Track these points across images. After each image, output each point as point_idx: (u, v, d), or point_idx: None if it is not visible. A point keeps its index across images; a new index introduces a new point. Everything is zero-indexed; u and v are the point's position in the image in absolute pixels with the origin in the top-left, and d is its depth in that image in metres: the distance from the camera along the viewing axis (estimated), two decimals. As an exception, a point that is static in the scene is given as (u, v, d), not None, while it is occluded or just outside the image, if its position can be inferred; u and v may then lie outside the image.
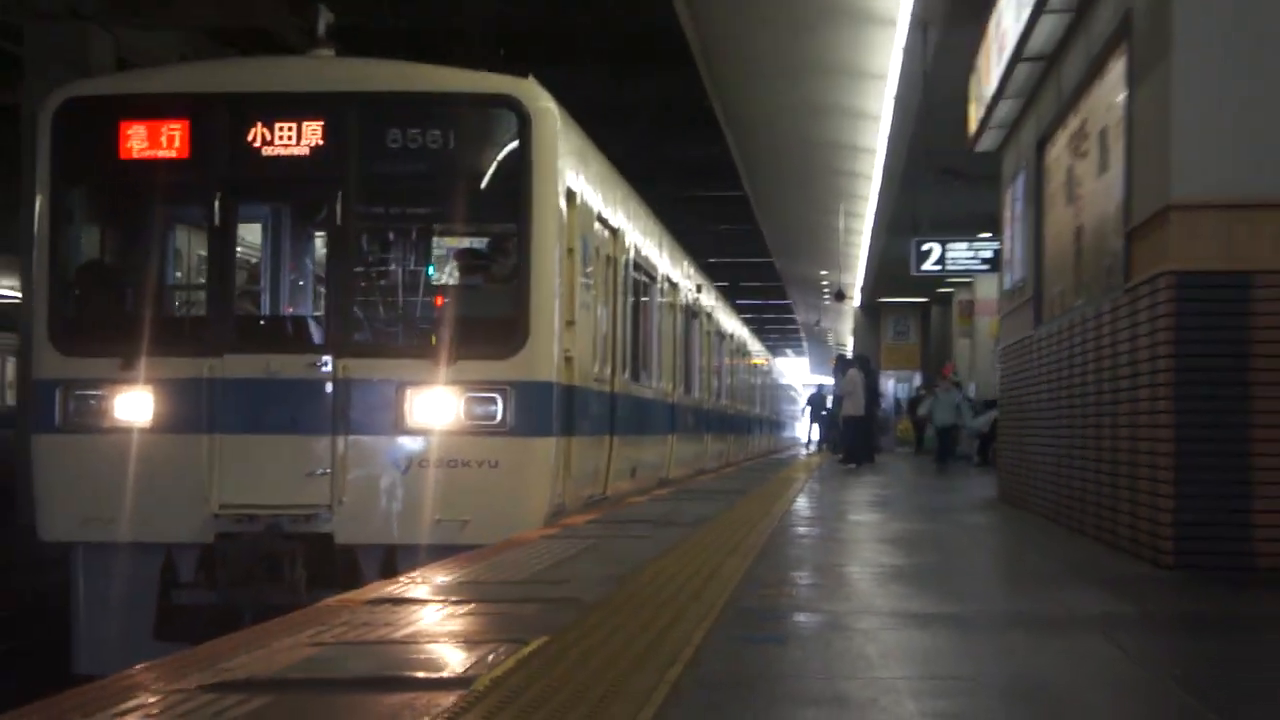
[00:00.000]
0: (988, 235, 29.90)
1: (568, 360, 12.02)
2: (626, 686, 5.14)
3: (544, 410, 11.34)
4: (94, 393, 11.10)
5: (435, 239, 13.15)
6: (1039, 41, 12.65)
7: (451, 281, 12.77)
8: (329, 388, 10.93)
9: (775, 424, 56.01)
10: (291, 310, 13.11)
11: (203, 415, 10.92)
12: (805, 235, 40.26)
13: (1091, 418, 11.22)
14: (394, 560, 10.77)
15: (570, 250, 12.18)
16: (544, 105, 11.40)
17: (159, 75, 13.78)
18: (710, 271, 34.67)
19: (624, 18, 24.41)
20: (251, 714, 4.73)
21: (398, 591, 7.74)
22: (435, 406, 10.93)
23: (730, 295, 40.50)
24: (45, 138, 11.41)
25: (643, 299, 18.56)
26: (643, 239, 17.95)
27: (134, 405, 11.02)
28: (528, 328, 11.16)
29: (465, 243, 13.21)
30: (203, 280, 12.42)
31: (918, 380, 46.55)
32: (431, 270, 12.90)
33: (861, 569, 9.53)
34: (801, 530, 12.68)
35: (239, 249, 12.98)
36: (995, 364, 22.24)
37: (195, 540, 10.83)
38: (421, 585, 8.00)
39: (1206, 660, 6.17)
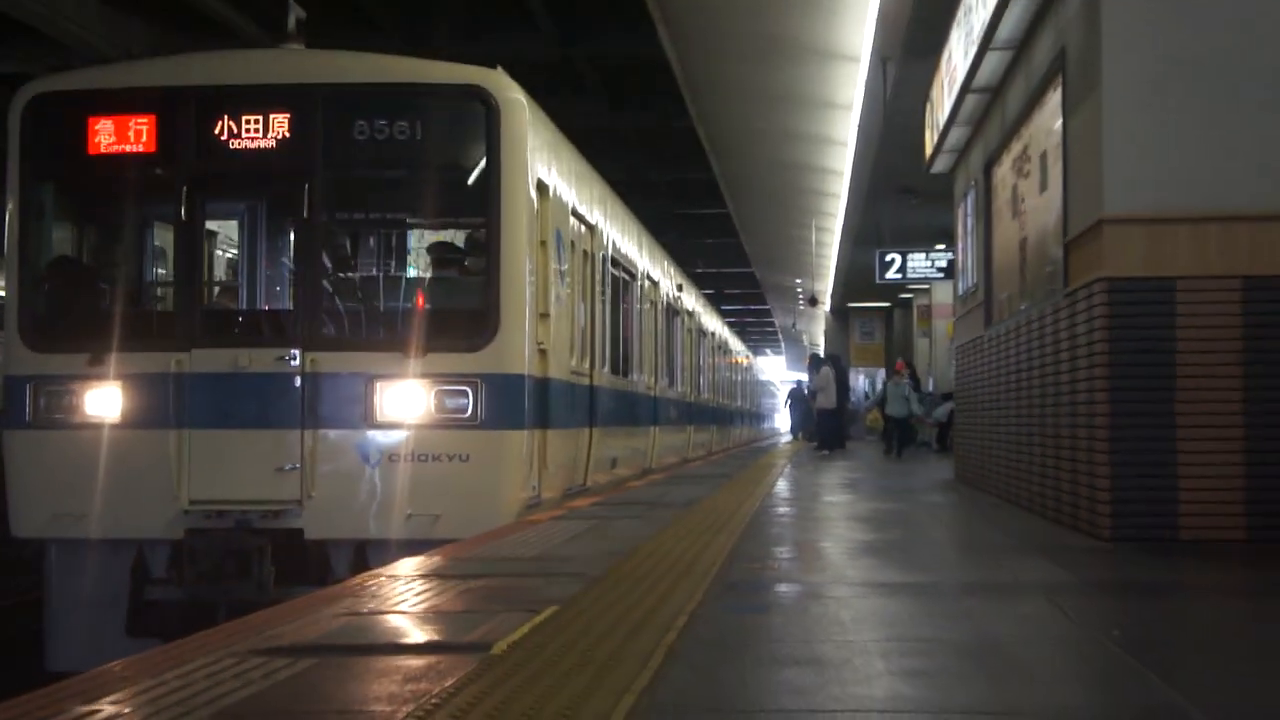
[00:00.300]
0: (943, 246, 29.96)
1: (541, 353, 10.85)
2: (628, 650, 5.18)
3: (515, 403, 10.11)
4: (63, 389, 9.96)
5: (405, 231, 11.98)
6: (985, 76, 12.69)
7: (421, 274, 11.38)
8: (297, 382, 9.77)
9: (756, 416, 54.90)
10: (260, 304, 11.75)
11: (171, 410, 9.79)
12: (781, 247, 40.19)
13: (1037, 408, 11.26)
14: (365, 556, 9.67)
15: (543, 243, 11.00)
16: (513, 95, 10.19)
17: (127, 70, 11.92)
18: (698, 280, 34.68)
19: (617, 52, 24.36)
20: (298, 674, 4.79)
21: (422, 568, 7.75)
22: (405, 400, 9.77)
23: (716, 301, 40.45)
24: (14, 134, 10.26)
25: (623, 295, 17.02)
26: (621, 237, 16.45)
27: (103, 401, 9.89)
28: (498, 320, 9.95)
29: (435, 235, 11.86)
30: (171, 275, 11.05)
31: (882, 376, 46.54)
32: (404, 264, 11.79)
33: (835, 544, 9.55)
34: (781, 510, 12.68)
35: (217, 244, 12.03)
36: (951, 361, 22.26)
37: (165, 536, 9.68)
38: (443, 562, 7.99)
39: (1138, 620, 6.22)
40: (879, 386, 43.52)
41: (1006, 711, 4.37)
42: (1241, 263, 8.77)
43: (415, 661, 5.04)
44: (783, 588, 7.18)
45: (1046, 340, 10.75)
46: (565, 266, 12.15)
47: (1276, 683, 4.87)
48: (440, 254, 11.34)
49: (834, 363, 30.91)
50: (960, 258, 17.47)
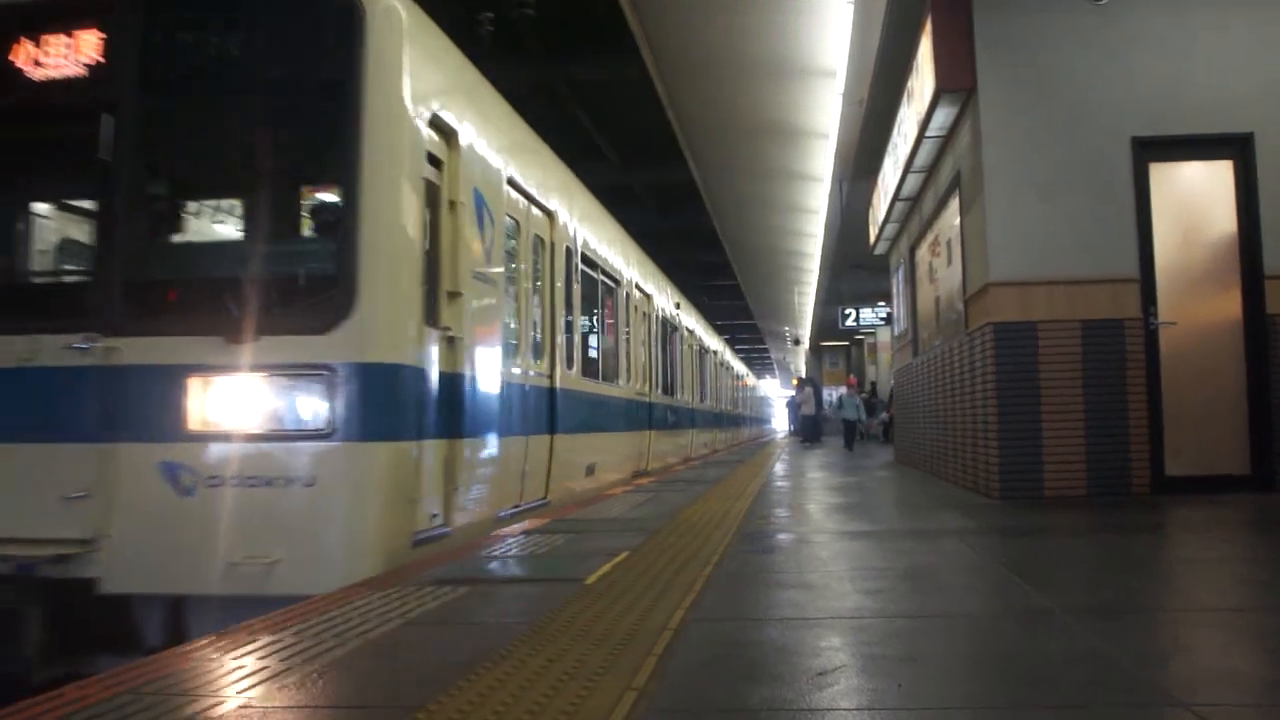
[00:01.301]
0: (883, 303, 29.83)
1: (449, 340, 6.27)
2: (680, 577, 5.19)
3: (388, 403, 5.41)
4: None
5: (238, 175, 5.81)
6: (908, 189, 12.66)
7: (256, 230, 5.63)
8: (93, 377, 5.19)
9: (759, 420, 52.00)
10: (51, 276, 6.19)
11: None
12: (775, 306, 40.14)
13: (950, 410, 11.16)
14: (182, 614, 5.07)
15: (452, 204, 6.38)
16: (387, 4, 5.51)
17: None
18: (718, 330, 34.58)
19: (664, 178, 24.10)
20: (460, 597, 4.81)
21: (534, 527, 7.65)
22: (230, 400, 5.14)
23: (731, 344, 40.20)
24: None
25: (603, 300, 11.82)
26: (597, 238, 11.06)
27: None
28: (355, 289, 5.21)
29: (277, 178, 5.73)
30: None
31: (841, 390, 46.28)
32: (243, 222, 5.91)
33: (815, 506, 9.48)
34: (778, 484, 12.56)
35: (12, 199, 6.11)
36: (890, 380, 22.11)
37: None
38: (549, 523, 7.91)
39: (1019, 552, 6.16)
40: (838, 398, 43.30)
41: (933, 614, 4.35)
42: (1078, 311, 8.72)
43: (535, 589, 5.06)
44: (782, 536, 7.13)
45: (954, 365, 10.67)
46: (496, 243, 7.23)
47: (1107, 588, 4.82)
48: (283, 203, 5.87)
49: (812, 384, 30.87)
50: (895, 310, 17.38)
